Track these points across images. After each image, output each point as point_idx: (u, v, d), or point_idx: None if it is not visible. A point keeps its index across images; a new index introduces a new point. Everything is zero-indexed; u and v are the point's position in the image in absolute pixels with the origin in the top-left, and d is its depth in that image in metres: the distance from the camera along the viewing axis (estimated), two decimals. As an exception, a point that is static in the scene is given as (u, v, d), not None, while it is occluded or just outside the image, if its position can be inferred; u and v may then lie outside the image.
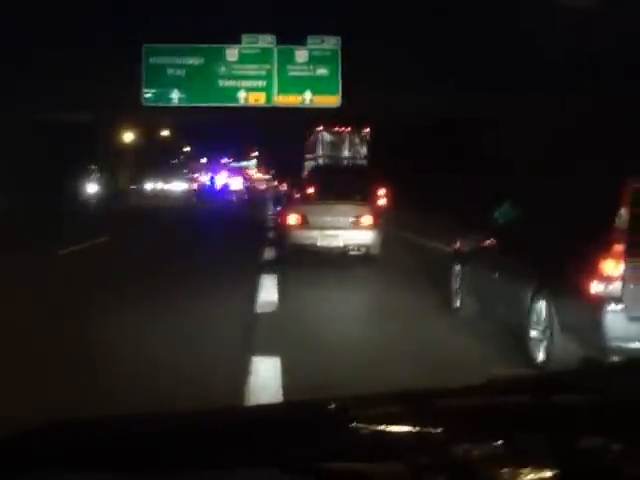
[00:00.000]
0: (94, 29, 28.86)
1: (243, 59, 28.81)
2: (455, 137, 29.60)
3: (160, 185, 53.12)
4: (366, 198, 15.02)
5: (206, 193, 50.32)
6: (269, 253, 14.16)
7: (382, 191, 19.81)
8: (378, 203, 17.15)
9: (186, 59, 28.88)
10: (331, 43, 28.47)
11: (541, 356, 6.31)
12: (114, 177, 31.35)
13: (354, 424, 1.60)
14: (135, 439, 1.51)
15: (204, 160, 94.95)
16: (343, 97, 28.38)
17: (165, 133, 62.74)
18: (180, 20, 29.14)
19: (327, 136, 35.61)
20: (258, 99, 28.62)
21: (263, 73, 28.64)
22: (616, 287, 5.73)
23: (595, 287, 5.76)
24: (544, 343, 6.28)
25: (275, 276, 10.98)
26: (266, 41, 28.50)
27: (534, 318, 6.45)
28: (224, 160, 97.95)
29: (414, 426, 1.58)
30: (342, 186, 15.20)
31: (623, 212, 5.81)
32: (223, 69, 28.74)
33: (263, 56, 28.71)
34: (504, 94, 25.99)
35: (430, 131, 31.08)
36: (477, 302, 8.05)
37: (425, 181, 28.18)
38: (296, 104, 28.55)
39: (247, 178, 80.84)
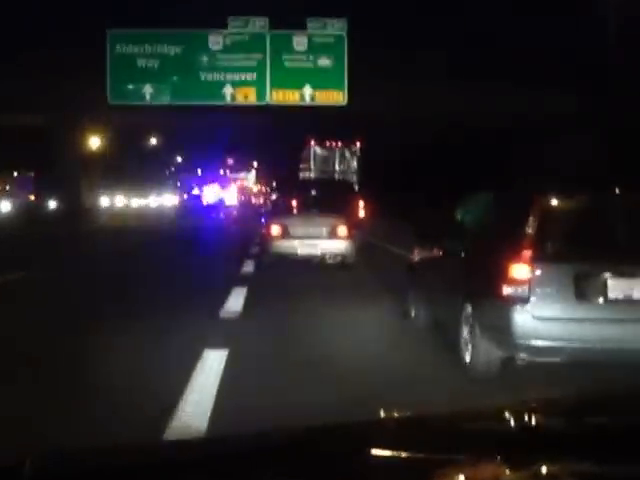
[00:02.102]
0: (47, 12, 24.76)
1: (229, 47, 25.56)
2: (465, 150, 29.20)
3: (137, 200, 48.72)
4: (344, 210, 16.56)
5: (190, 210, 45.90)
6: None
7: (362, 203, 21.55)
8: (357, 215, 18.75)
9: (160, 47, 25.65)
10: (336, 27, 24.74)
11: (468, 357, 6.94)
12: (76, 191, 27.12)
13: (374, 451, 1.65)
14: (122, 471, 1.58)
15: (199, 172, 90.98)
16: (350, 93, 24.03)
17: (153, 140, 58.90)
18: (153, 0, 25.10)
19: (319, 150, 39.51)
20: (248, 96, 24.81)
21: (254, 64, 25.42)
22: (524, 289, 6.39)
23: (506, 290, 6.42)
24: (470, 345, 6.93)
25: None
26: (257, 25, 25.08)
27: (463, 322, 7.09)
28: (221, 172, 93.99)
29: (437, 453, 1.62)
30: (321, 199, 16.91)
31: (530, 221, 6.55)
32: (205, 59, 25.62)
33: (253, 43, 25.50)
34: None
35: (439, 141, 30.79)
36: (427, 310, 8.71)
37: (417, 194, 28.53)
38: (293, 102, 24.77)
39: (243, 191, 76.67)
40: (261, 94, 25.05)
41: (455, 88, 25.40)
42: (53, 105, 25.51)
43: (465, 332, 7.03)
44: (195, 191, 62.00)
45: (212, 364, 6.48)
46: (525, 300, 6.37)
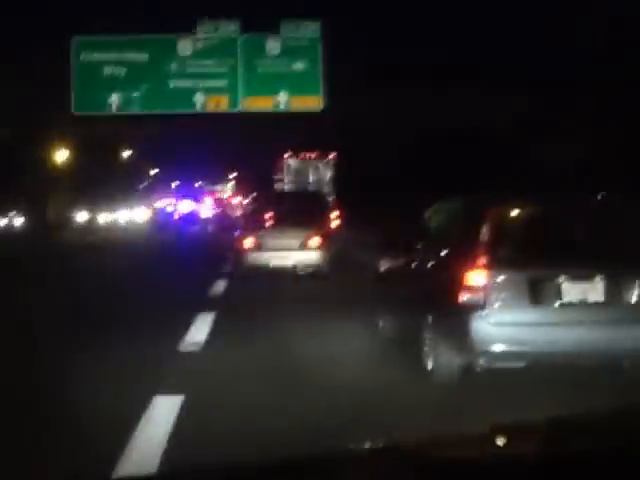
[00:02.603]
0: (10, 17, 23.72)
1: (199, 53, 24.38)
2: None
3: (107, 215, 47.21)
4: (316, 222, 17.07)
5: (162, 224, 44.63)
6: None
7: (335, 214, 21.96)
8: (330, 226, 19.08)
9: (127, 54, 24.41)
10: (309, 30, 23.81)
11: (430, 365, 7.02)
12: (41, 206, 25.96)
13: None
14: None
15: (175, 184, 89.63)
16: (325, 98, 23.01)
17: (127, 153, 57.69)
18: (119, 5, 24.07)
19: (292, 162, 42.23)
20: (220, 103, 23.55)
21: (225, 70, 24.46)
22: (480, 296, 6.51)
23: (463, 297, 6.57)
24: (432, 353, 7.00)
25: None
26: (228, 29, 24.25)
27: (425, 330, 7.19)
28: (197, 184, 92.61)
29: None
30: (294, 211, 17.32)
31: (485, 229, 6.67)
32: (174, 66, 24.37)
33: (224, 48, 24.41)
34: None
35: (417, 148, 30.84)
36: (393, 320, 8.66)
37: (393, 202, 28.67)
38: (268, 108, 23.53)
39: (219, 204, 75.40)
40: (233, 101, 24.09)
41: (436, 91, 24.56)
42: (18, 118, 24.41)
43: (427, 340, 7.21)
44: (168, 205, 60.56)
45: (160, 417, 5.40)
46: (482, 307, 6.54)
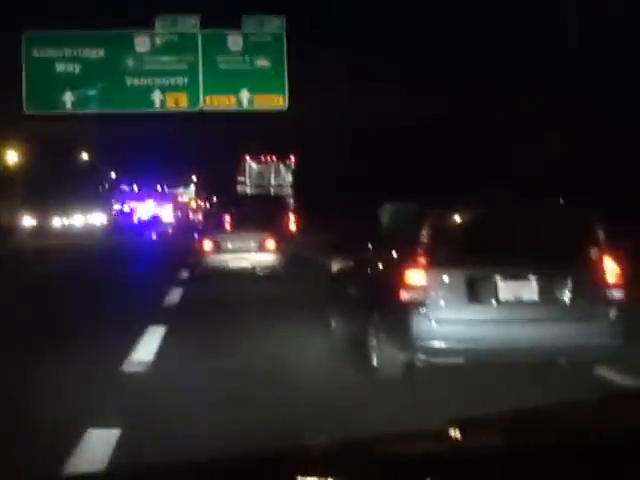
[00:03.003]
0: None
1: (158, 49, 23.49)
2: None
3: (61, 220, 45.79)
4: (274, 225, 17.93)
5: (120, 229, 43.49)
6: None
7: (294, 217, 22.63)
8: (287, 229, 20.12)
9: (81, 50, 23.39)
10: (273, 25, 23.01)
11: (374, 362, 7.36)
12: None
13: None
14: None
15: (134, 188, 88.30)
16: (290, 97, 22.23)
17: (84, 155, 56.37)
18: (72, -1, 23.07)
19: (253, 165, 40.89)
20: (179, 102, 22.58)
21: (185, 67, 23.62)
22: (420, 294, 6.86)
23: (404, 295, 6.91)
24: (377, 350, 7.33)
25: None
26: (188, 24, 23.40)
27: (371, 328, 7.50)
28: (159, 187, 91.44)
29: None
30: (252, 214, 18.12)
31: (424, 231, 7.01)
32: (131, 63, 23.50)
33: (184, 44, 23.55)
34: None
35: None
36: (344, 320, 8.85)
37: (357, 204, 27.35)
38: (230, 107, 22.66)
39: (180, 208, 74.22)
40: (194, 99, 23.18)
41: (405, 90, 23.86)
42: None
43: (372, 337, 7.49)
44: (126, 209, 59.28)
45: (93, 455, 4.52)
46: (422, 304, 6.85)
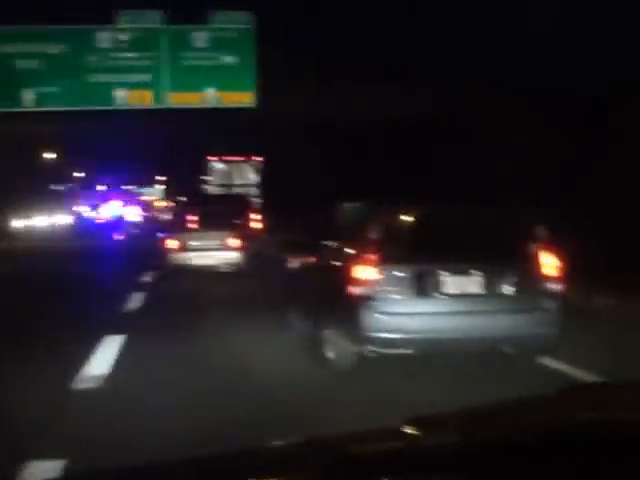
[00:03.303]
0: None
1: (120, 45, 22.97)
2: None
3: (21, 221, 44.69)
4: (237, 223, 18.63)
5: (84, 230, 42.67)
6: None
7: (258, 216, 23.29)
8: (251, 227, 20.74)
9: (41, 46, 22.71)
10: (241, 21, 22.39)
11: (329, 355, 7.78)
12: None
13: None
14: None
15: (102, 188, 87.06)
16: (260, 94, 21.70)
17: (48, 154, 55.32)
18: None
19: (219, 165, 41.45)
20: (143, 99, 21.90)
21: (149, 63, 23.20)
22: (371, 289, 7.28)
23: (355, 290, 7.35)
24: (331, 344, 7.77)
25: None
26: (152, 20, 22.82)
27: (326, 322, 7.96)
28: (125, 187, 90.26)
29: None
30: (216, 213, 18.38)
31: (375, 230, 7.56)
32: (93, 59, 22.91)
33: (148, 40, 23.15)
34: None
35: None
36: (302, 316, 9.07)
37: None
38: (196, 104, 22.01)
39: (148, 208, 73.18)
40: (158, 97, 22.63)
41: (375, 88, 23.50)
42: None
43: (327, 331, 7.90)
44: (91, 209, 58.27)
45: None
46: (372, 298, 7.27)
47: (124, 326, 9.90)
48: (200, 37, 22.62)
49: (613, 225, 15.57)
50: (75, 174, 75.92)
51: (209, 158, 40.92)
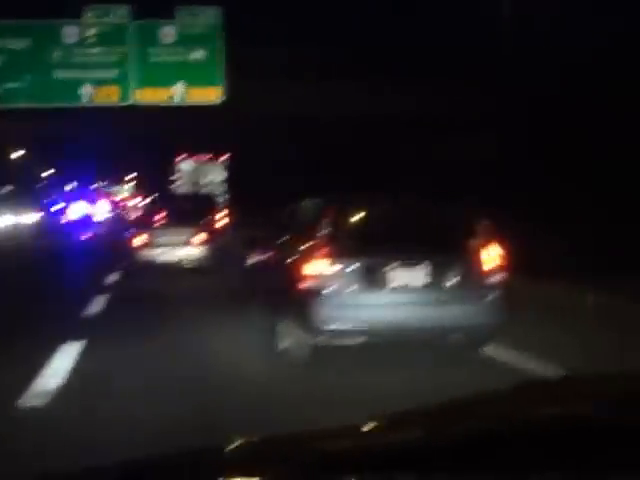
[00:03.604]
0: None
1: (86, 40, 22.64)
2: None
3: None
4: (201, 222, 19.35)
5: (49, 229, 42.09)
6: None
7: (223, 214, 24.03)
8: (215, 224, 21.33)
9: (5, 41, 22.32)
10: (209, 16, 22.03)
11: (284, 346, 8.07)
12: None
13: None
14: None
15: (71, 187, 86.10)
16: (227, 90, 21.50)
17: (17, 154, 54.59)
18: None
19: (186, 165, 44.45)
20: (110, 96, 21.61)
21: (115, 59, 22.79)
22: (322, 282, 7.59)
23: (307, 283, 7.65)
24: (285, 335, 8.10)
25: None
26: (118, 15, 22.55)
27: (281, 316, 8.27)
28: (95, 186, 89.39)
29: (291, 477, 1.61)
30: (182, 212, 19.52)
31: (326, 225, 7.85)
32: (58, 55, 22.61)
33: (114, 36, 22.91)
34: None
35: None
36: (260, 309, 9.41)
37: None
38: (163, 101, 21.86)
39: (116, 206, 72.51)
40: (124, 93, 22.34)
41: (344, 85, 23.41)
42: None
43: (283, 324, 8.18)
44: (58, 208, 57.48)
45: None
46: (321, 291, 7.55)
47: (82, 332, 9.32)
48: (168, 32, 22.37)
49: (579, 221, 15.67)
50: (43, 174, 75.13)
51: (178, 157, 42.36)
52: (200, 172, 42.78)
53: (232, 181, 40.54)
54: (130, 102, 22.39)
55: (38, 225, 45.17)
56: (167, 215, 19.41)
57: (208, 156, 42.53)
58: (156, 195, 29.42)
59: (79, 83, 22.15)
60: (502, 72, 20.82)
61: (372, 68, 23.13)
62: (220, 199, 36.39)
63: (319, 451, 1.74)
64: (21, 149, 56.30)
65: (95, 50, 22.31)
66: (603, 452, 1.60)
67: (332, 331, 7.60)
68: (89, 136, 40.47)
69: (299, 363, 7.74)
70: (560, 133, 19.17)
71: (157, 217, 19.55)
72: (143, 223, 19.88)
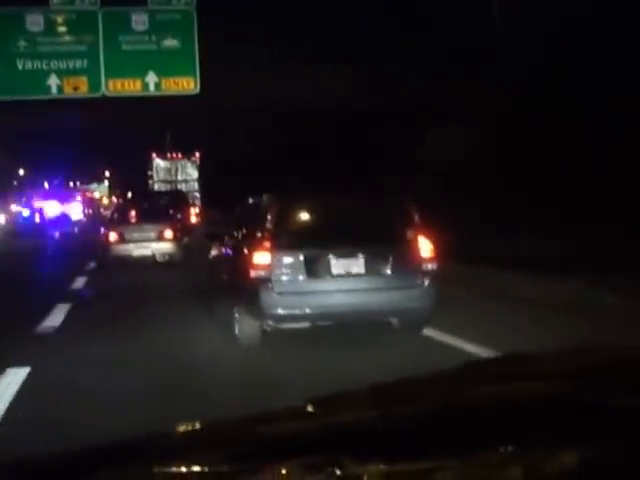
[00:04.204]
0: None
1: (53, 29, 21.46)
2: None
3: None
4: (172, 217, 21.82)
5: (20, 229, 40.92)
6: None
7: (194, 211, 25.65)
8: (187, 221, 23.40)
9: (-35, 31, 20.68)
10: (182, 3, 20.79)
11: (237, 332, 8.81)
12: None
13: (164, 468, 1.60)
14: None
15: (44, 185, 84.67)
16: (201, 81, 20.45)
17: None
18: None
19: (160, 162, 44.06)
20: (78, 87, 20.54)
21: (84, 48, 21.72)
22: (267, 272, 8.41)
23: (253, 273, 8.47)
24: (238, 322, 8.83)
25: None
26: (86, 1, 20.89)
27: (234, 305, 9.00)
28: (69, 184, 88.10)
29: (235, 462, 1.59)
30: (153, 209, 22.07)
31: (269, 220, 8.70)
32: (23, 44, 21.34)
33: (82, 23, 21.76)
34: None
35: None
36: (218, 301, 10.21)
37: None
38: (135, 92, 20.86)
39: (91, 205, 71.22)
40: (95, 84, 21.22)
41: (325, 72, 22.42)
42: None
43: (234, 311, 8.90)
44: (28, 208, 55.96)
45: None
46: (268, 280, 8.35)
47: (34, 351, 8.33)
48: (139, 20, 21.26)
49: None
50: (20, 171, 73.61)
51: (152, 155, 43.43)
52: (174, 170, 43.16)
53: (204, 179, 42.59)
54: (101, 93, 21.27)
55: (8, 225, 43.87)
56: (140, 212, 20.88)
57: (180, 154, 43.70)
58: (130, 192, 30.64)
59: (46, 74, 21.01)
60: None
61: (350, 53, 22.29)
62: (193, 196, 38.88)
63: (259, 434, 1.75)
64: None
65: (62, 39, 21.19)
66: (553, 428, 1.61)
67: (277, 316, 8.43)
68: (60, 131, 39.38)
69: (251, 346, 8.53)
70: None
71: (131, 214, 20.89)
72: (118, 219, 20.92)
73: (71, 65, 21.11)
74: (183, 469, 1.55)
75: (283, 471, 1.49)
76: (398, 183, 15.61)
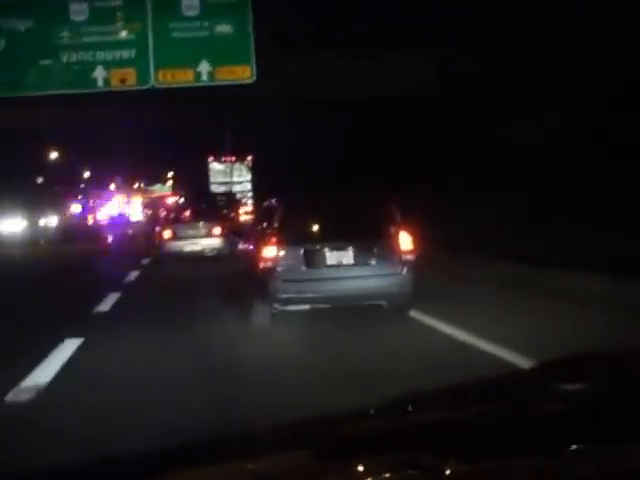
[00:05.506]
0: None
1: (98, 17, 19.77)
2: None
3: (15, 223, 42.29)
4: (220, 216, 25.96)
5: (71, 232, 39.98)
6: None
7: (246, 210, 31.82)
8: (235, 219, 29.16)
9: (6, 22, 19.59)
10: (236, -18, 19.09)
11: (253, 318, 10.49)
12: None
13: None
14: None
15: (110, 187, 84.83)
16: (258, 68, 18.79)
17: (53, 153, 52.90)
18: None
19: (216, 166, 50.82)
20: (126, 79, 19.00)
21: (132, 37, 20.09)
22: (274, 263, 10.11)
23: (263, 265, 10.22)
24: (253, 307, 10.57)
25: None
26: None
27: (250, 292, 10.81)
28: (135, 186, 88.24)
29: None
30: (203, 208, 25.84)
31: (276, 218, 10.48)
32: (66, 35, 19.76)
33: (130, 11, 19.96)
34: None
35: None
36: (244, 291, 11.65)
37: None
38: (187, 82, 19.18)
39: (151, 206, 70.59)
40: (143, 75, 19.75)
41: (390, 62, 20.69)
42: None
43: (252, 299, 10.62)
44: (79, 208, 55.41)
45: None
46: (275, 270, 10.12)
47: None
48: (190, 4, 19.62)
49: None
50: (83, 173, 73.60)
51: (209, 159, 49.48)
52: (228, 172, 48.59)
53: (257, 180, 46.02)
54: (150, 85, 19.67)
55: (59, 229, 43.23)
56: (191, 211, 24.03)
57: (234, 157, 49.11)
58: (189, 194, 34.61)
59: (91, 66, 19.61)
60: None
61: (417, 38, 20.42)
62: (245, 196, 43.77)
63: (347, 433, 1.80)
64: (55, 148, 54.76)
65: (108, 28, 19.73)
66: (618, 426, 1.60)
67: (283, 299, 10.09)
68: (122, 133, 38.64)
69: (263, 327, 10.19)
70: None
71: (184, 213, 24.22)
72: (172, 219, 23.81)
73: (118, 56, 19.64)
74: (274, 466, 1.63)
75: (365, 469, 1.55)
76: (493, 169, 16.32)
